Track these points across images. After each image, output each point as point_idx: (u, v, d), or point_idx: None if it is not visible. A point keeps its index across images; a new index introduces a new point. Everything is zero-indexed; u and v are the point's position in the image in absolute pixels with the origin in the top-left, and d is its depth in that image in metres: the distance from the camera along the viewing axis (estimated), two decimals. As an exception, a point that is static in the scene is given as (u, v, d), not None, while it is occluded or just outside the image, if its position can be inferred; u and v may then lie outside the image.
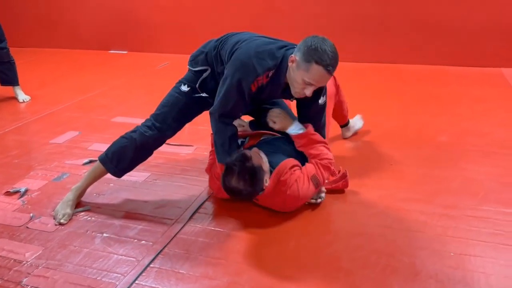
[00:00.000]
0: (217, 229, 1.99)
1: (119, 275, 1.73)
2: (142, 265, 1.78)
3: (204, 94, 2.15)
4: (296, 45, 1.94)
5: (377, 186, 2.30)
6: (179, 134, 3.01)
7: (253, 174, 1.85)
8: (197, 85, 2.14)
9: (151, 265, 1.78)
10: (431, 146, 2.73)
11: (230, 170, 1.86)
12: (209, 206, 2.18)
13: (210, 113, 2.05)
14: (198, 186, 2.35)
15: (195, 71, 2.17)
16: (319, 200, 2.11)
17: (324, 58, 1.77)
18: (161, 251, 1.86)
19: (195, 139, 2.90)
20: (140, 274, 1.73)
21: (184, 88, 2.17)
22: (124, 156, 2.14)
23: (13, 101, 3.83)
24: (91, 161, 2.66)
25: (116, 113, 3.47)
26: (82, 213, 2.15)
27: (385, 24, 4.63)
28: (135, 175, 2.49)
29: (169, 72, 4.81)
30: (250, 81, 1.90)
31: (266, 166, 1.94)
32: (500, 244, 1.82)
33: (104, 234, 1.98)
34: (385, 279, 1.66)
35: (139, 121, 3.25)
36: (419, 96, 3.66)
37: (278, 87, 1.99)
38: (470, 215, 2.03)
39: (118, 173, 2.19)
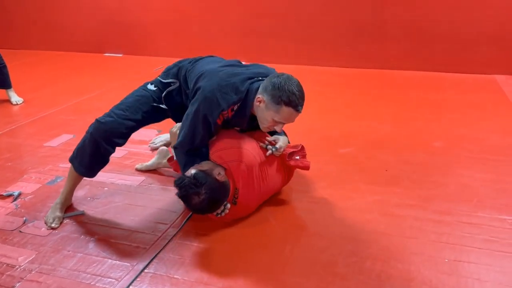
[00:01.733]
0: (212, 234, 1.98)
1: (113, 280, 1.71)
2: (137, 270, 1.77)
3: (163, 106, 2.18)
4: (261, 74, 1.98)
5: (371, 191, 2.30)
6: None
7: (196, 181, 1.81)
8: (162, 95, 2.18)
9: (145, 270, 1.77)
10: (425, 152, 2.74)
11: (185, 198, 1.84)
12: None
13: (175, 148, 2.05)
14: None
15: (164, 82, 2.21)
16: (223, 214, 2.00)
17: (293, 99, 1.80)
18: (155, 256, 1.85)
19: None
20: (135, 279, 1.72)
21: (151, 87, 2.22)
22: (84, 151, 2.10)
23: (6, 103, 3.81)
24: (85, 165, 2.64)
25: (111, 117, 3.45)
26: (75, 217, 2.13)
27: (380, 30, 4.66)
28: (130, 179, 2.48)
29: (164, 75, 4.80)
30: (216, 115, 1.91)
31: (205, 166, 1.92)
32: (495, 250, 1.83)
33: (98, 239, 1.97)
34: (380, 285, 1.66)
35: (134, 124, 3.27)
36: (413, 102, 3.68)
37: (244, 119, 2.01)
38: (464, 221, 2.03)
39: (83, 171, 2.12)
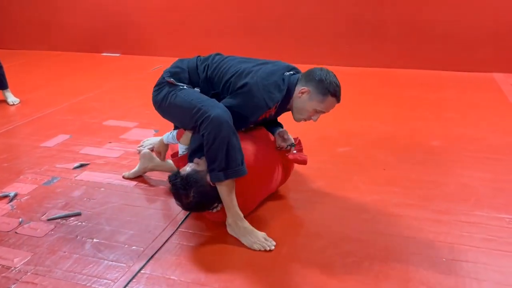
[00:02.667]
0: (208, 234, 1.97)
1: (109, 281, 1.70)
2: (133, 271, 1.75)
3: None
4: (289, 68, 2.06)
5: (370, 191, 2.29)
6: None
7: (186, 184, 1.84)
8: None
9: (141, 271, 1.75)
10: (424, 151, 2.73)
11: (174, 195, 1.90)
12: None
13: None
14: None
15: (177, 84, 2.08)
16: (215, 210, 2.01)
17: (337, 90, 1.96)
18: (152, 257, 1.83)
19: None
20: (131, 280, 1.71)
21: (185, 87, 2.09)
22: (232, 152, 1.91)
23: (3, 104, 3.79)
24: (82, 165, 2.63)
25: (108, 117, 3.45)
26: (72, 218, 2.12)
27: (379, 29, 4.65)
28: (127, 179, 2.47)
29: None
30: (260, 113, 1.97)
31: (201, 167, 1.90)
32: (493, 249, 1.82)
33: (94, 240, 1.95)
34: (378, 285, 1.65)
35: (131, 124, 3.27)
36: (412, 101, 3.67)
37: (280, 113, 2.11)
38: (463, 220, 2.02)
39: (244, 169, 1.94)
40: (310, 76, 1.97)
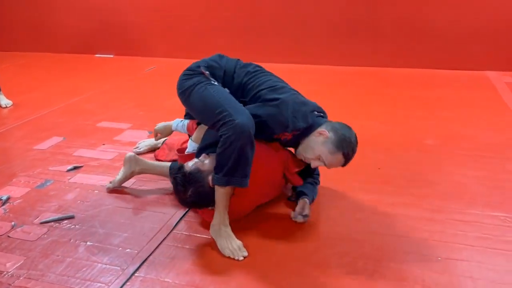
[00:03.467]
0: (203, 236, 1.96)
1: (103, 284, 1.69)
2: (127, 274, 1.74)
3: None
4: (320, 109, 2.06)
5: (364, 190, 2.29)
6: (167, 139, 2.99)
7: (186, 180, 1.85)
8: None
9: (136, 274, 1.74)
10: (418, 150, 2.74)
11: (173, 188, 1.92)
12: (195, 213, 2.14)
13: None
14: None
15: (209, 78, 2.06)
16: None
17: (349, 155, 1.95)
18: (146, 259, 1.82)
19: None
20: (125, 283, 1.69)
21: (215, 83, 2.06)
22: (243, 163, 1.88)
23: (-4, 106, 3.77)
24: (75, 168, 2.62)
25: (102, 118, 3.43)
26: (65, 221, 2.10)
27: (373, 28, 4.66)
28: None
29: (156, 76, 4.78)
30: (278, 131, 1.97)
31: (206, 167, 1.90)
32: (487, 248, 1.82)
33: (88, 243, 1.94)
34: (373, 285, 1.64)
35: (125, 126, 3.26)
36: (406, 100, 3.67)
37: (291, 144, 2.09)
38: (457, 219, 2.03)
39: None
40: (335, 127, 1.96)
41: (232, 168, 1.81)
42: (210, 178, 1.88)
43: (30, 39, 5.97)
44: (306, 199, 2.09)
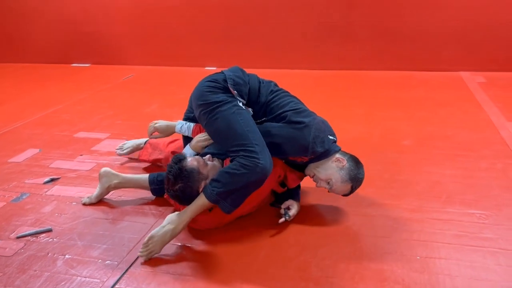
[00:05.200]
0: (185, 244, 1.95)
1: (83, 298, 1.66)
2: (107, 286, 1.71)
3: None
4: (333, 134, 2.09)
5: (344, 192, 2.31)
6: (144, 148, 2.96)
7: (179, 175, 1.84)
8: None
9: (116, 286, 1.72)
10: (396, 151, 2.78)
11: (166, 177, 1.91)
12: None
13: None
14: (163, 202, 2.29)
15: (236, 98, 2.04)
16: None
17: (356, 188, 2.05)
18: (126, 270, 1.80)
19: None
20: (105, 295, 1.67)
21: (241, 104, 2.03)
22: (243, 193, 1.92)
23: (-31, 119, 3.68)
24: (52, 180, 2.57)
25: (79, 129, 3.38)
26: (42, 235, 2.06)
27: (348, 31, 4.72)
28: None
29: (134, 84, 4.74)
30: (296, 154, 2.01)
31: (205, 170, 1.90)
32: (464, 245, 1.86)
33: (67, 256, 1.90)
34: (354, 286, 1.65)
35: (102, 135, 3.21)
36: (383, 102, 3.73)
37: (303, 165, 2.11)
38: (435, 218, 2.06)
39: (232, 210, 1.93)
40: (353, 159, 2.02)
41: (229, 194, 1.84)
42: (202, 184, 1.88)
43: (2, 50, 5.85)
44: (295, 202, 2.13)
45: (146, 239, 1.84)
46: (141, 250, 1.84)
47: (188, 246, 1.94)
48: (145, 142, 2.73)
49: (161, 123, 2.45)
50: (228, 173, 1.83)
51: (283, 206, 2.11)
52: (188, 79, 4.77)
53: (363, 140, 2.95)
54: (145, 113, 3.61)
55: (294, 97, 2.19)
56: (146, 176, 2.30)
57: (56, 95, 4.33)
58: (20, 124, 3.54)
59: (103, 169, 2.31)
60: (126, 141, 2.83)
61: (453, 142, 2.86)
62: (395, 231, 1.97)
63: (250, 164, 1.80)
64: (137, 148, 2.76)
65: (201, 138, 2.17)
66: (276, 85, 2.23)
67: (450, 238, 1.91)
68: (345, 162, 2.00)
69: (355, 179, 2.00)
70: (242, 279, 1.72)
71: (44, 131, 3.36)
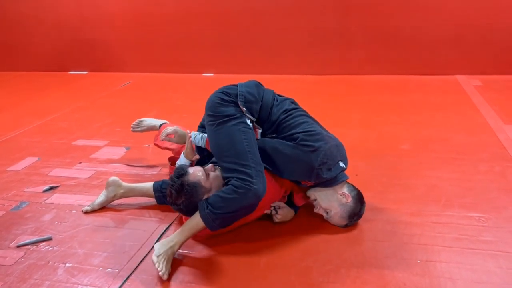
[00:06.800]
0: (185, 252, 1.95)
1: (84, 306, 1.66)
2: (108, 294, 1.72)
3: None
4: (345, 158, 2.09)
5: (343, 197, 2.31)
6: (144, 154, 2.98)
7: (182, 190, 1.84)
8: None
9: (117, 294, 1.72)
10: (393, 155, 2.79)
11: (169, 184, 1.90)
12: (176, 229, 2.12)
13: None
14: (164, 208, 2.29)
15: (245, 115, 2.04)
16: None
17: (351, 225, 2.06)
18: (127, 278, 1.80)
19: (159, 159, 2.85)
20: (106, 304, 1.67)
21: (249, 122, 2.03)
22: (234, 217, 1.92)
23: (-33, 128, 3.67)
24: (51, 188, 2.57)
25: (77, 136, 3.38)
26: (42, 243, 2.06)
27: (344, 37, 4.75)
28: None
29: (131, 91, 4.75)
30: (300, 177, 2.01)
31: (208, 183, 1.89)
32: (465, 248, 1.87)
33: (67, 264, 1.90)
34: (356, 291, 1.66)
35: (101, 143, 3.22)
36: (380, 106, 3.75)
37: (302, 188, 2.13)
38: (434, 221, 2.07)
39: (218, 229, 1.92)
40: (358, 197, 2.02)
41: (221, 217, 1.83)
42: (205, 197, 1.87)
43: (0, 58, 5.86)
44: (287, 208, 2.14)
45: (154, 260, 1.80)
46: (160, 270, 1.78)
47: (188, 254, 1.94)
48: (160, 126, 2.73)
49: (179, 131, 2.40)
50: (220, 197, 1.82)
51: (274, 204, 2.10)
52: (185, 86, 4.78)
53: (361, 145, 2.96)
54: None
55: (310, 117, 2.17)
56: (150, 184, 2.30)
57: (54, 103, 4.33)
58: (18, 133, 3.54)
59: (112, 178, 2.32)
60: (144, 119, 2.79)
61: (450, 145, 2.88)
62: (395, 235, 1.98)
63: (242, 188, 1.79)
64: (152, 129, 2.75)
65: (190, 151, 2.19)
66: (292, 102, 2.21)
67: (450, 241, 1.91)
68: (349, 199, 1.99)
69: (354, 218, 2.02)
70: (243, 285, 1.72)
71: (42, 139, 3.36)
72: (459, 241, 1.92)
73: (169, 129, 2.38)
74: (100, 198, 2.31)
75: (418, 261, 1.80)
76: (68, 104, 4.26)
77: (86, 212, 2.29)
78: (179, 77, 5.17)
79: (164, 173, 2.70)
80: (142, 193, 2.32)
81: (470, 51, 4.49)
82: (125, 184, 2.32)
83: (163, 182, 2.28)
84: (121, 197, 2.32)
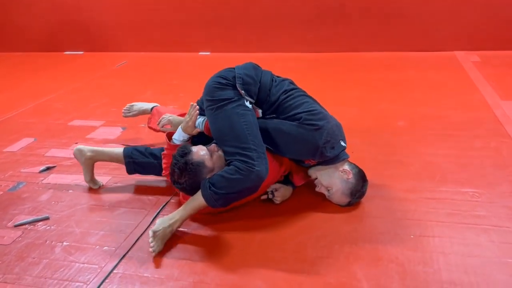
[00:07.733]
0: (181, 229, 1.96)
1: (82, 283, 1.68)
2: (105, 271, 1.74)
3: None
4: (344, 138, 2.08)
5: (339, 174, 2.32)
6: (142, 135, 2.98)
7: (185, 169, 1.84)
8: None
9: (114, 271, 1.74)
10: (390, 132, 2.79)
11: (171, 170, 1.89)
12: (172, 208, 2.14)
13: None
14: (160, 187, 2.31)
15: (244, 97, 2.02)
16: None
17: (353, 203, 2.05)
18: (124, 255, 1.82)
19: (156, 139, 2.85)
20: (103, 281, 1.69)
21: (248, 104, 2.02)
22: (236, 197, 1.93)
23: (-37, 110, 3.66)
24: (48, 168, 2.58)
25: (73, 117, 3.37)
26: (40, 223, 2.07)
27: (341, 13, 4.69)
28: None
29: (127, 71, 4.71)
30: (303, 156, 2.01)
31: (211, 163, 1.89)
32: (457, 223, 1.88)
33: (65, 243, 1.92)
34: (349, 266, 1.68)
35: (97, 123, 3.21)
36: (377, 83, 3.73)
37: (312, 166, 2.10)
38: (428, 197, 2.08)
39: (219, 206, 1.92)
40: (360, 174, 2.03)
41: (222, 196, 1.83)
42: (208, 176, 1.87)
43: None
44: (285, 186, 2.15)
45: (150, 234, 1.82)
46: (152, 246, 1.80)
47: (184, 231, 1.95)
48: (151, 109, 2.72)
49: (175, 118, 2.38)
50: (223, 177, 1.83)
51: (270, 188, 2.11)
52: (181, 65, 4.75)
53: (357, 122, 2.96)
54: (140, 100, 3.56)
55: (309, 97, 2.17)
56: (120, 149, 2.28)
57: (50, 84, 4.31)
58: (14, 114, 3.53)
59: (75, 148, 2.31)
60: (134, 103, 2.81)
61: (447, 122, 2.87)
62: (389, 211, 2.00)
63: (245, 169, 1.80)
64: (143, 113, 2.76)
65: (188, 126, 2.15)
66: (291, 83, 2.20)
67: (444, 216, 1.93)
68: (350, 176, 2.00)
69: (356, 196, 2.01)
70: (238, 262, 1.75)
71: (38, 120, 3.35)
72: (452, 216, 1.93)
73: (164, 119, 2.35)
74: (83, 173, 2.33)
75: (412, 236, 1.82)
76: (64, 85, 4.24)
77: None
78: (175, 56, 5.13)
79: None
80: (111, 158, 2.29)
81: (469, 26, 4.44)
82: (91, 148, 2.29)
83: (134, 148, 2.26)
84: (92, 159, 2.29)
